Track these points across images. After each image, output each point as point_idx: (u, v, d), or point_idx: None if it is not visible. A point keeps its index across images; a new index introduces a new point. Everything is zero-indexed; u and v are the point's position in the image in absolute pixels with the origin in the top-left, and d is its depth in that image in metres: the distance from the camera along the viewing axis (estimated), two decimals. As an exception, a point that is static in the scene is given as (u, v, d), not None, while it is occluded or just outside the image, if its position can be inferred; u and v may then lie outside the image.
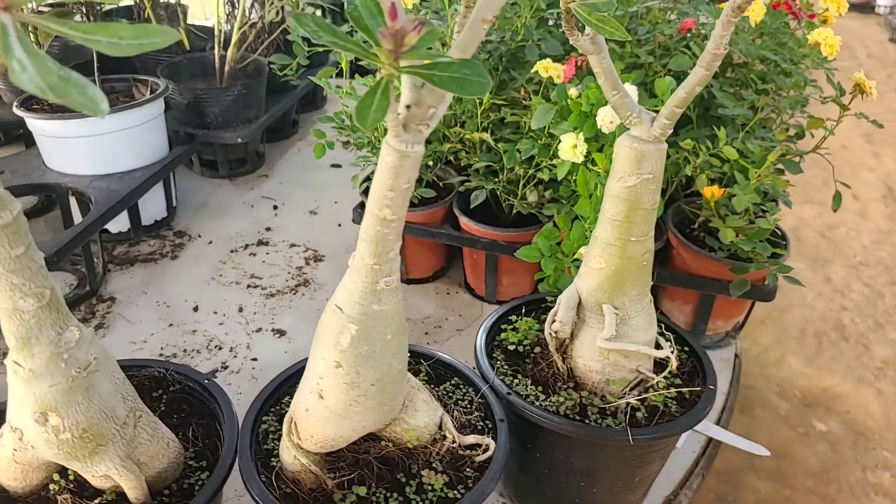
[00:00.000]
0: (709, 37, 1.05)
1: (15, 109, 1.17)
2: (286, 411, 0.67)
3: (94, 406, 0.55)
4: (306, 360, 0.63)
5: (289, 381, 0.70)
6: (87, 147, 1.17)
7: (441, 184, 1.11)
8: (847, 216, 2.43)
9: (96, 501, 0.58)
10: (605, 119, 0.79)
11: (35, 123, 1.17)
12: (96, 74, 1.25)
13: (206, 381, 0.71)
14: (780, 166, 1.02)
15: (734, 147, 0.94)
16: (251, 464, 0.60)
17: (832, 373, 1.94)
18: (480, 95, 0.43)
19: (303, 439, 0.59)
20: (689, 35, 1.12)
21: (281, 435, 0.63)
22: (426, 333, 1.08)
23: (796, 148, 1.10)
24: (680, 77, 1.06)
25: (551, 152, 0.95)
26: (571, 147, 0.86)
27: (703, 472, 0.86)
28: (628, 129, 0.63)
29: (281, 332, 1.06)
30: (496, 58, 1.11)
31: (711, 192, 0.87)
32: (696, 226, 0.97)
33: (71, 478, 0.59)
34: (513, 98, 1.09)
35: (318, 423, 0.57)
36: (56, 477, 0.59)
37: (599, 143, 0.88)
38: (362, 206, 1.14)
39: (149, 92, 1.29)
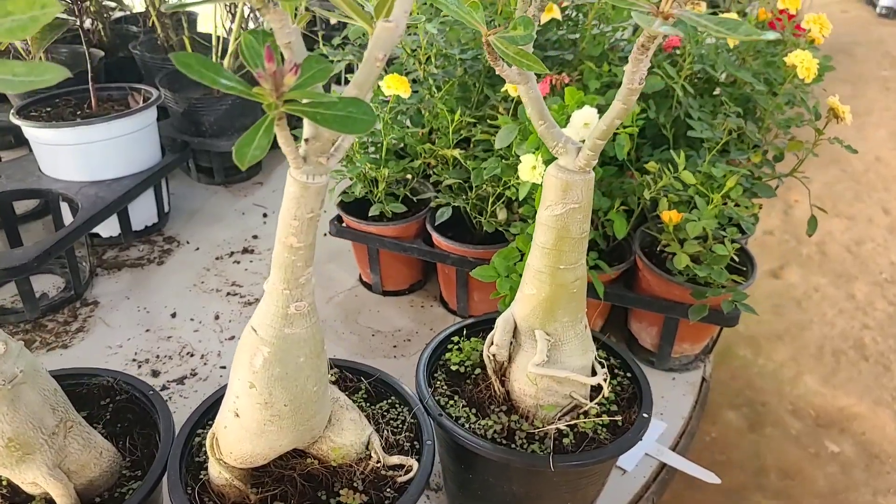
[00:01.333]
0: (701, 56, 1.05)
1: (11, 118, 1.22)
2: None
3: (19, 416, 0.57)
4: None
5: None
6: (78, 154, 1.21)
7: (415, 199, 1.12)
8: (876, 231, 2.37)
9: (26, 507, 0.61)
10: (527, 166, 0.80)
11: (30, 131, 1.21)
12: (90, 83, 1.29)
13: (151, 392, 0.73)
14: (754, 190, 1.01)
15: (702, 170, 0.93)
16: (178, 475, 0.62)
17: (849, 393, 1.90)
18: (364, 133, 0.44)
19: (224, 455, 0.60)
20: (675, 52, 1.11)
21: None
22: (394, 346, 1.09)
23: (776, 171, 1.08)
24: (651, 98, 1.05)
25: (516, 172, 0.96)
26: (531, 168, 0.86)
27: (653, 497, 0.86)
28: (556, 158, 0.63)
29: (252, 341, 1.08)
30: (473, 75, 1.12)
31: (670, 216, 0.87)
32: (660, 249, 0.97)
33: (4, 483, 0.62)
34: (488, 115, 1.10)
35: (235, 440, 0.59)
36: (-10, 482, 0.62)
37: (558, 164, 0.88)
38: (339, 219, 1.16)
39: (142, 101, 1.33)
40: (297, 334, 0.56)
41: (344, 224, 1.15)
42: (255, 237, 1.38)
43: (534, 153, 0.88)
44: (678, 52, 1.08)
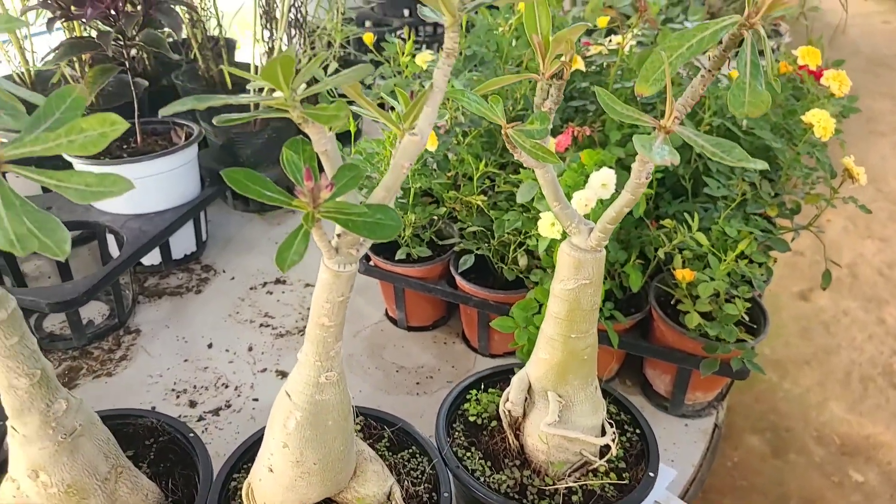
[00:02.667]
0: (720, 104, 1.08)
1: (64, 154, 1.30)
2: (257, 469, 0.75)
3: (77, 465, 0.63)
4: None
5: (262, 440, 0.78)
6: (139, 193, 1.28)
7: (440, 242, 1.17)
8: (911, 253, 2.35)
9: (80, 544, 0.67)
10: (546, 223, 0.85)
11: (79, 166, 1.29)
12: (136, 118, 1.36)
13: (191, 435, 0.79)
14: (768, 243, 1.04)
15: (718, 225, 0.97)
16: (216, 517, 0.68)
17: (875, 421, 1.90)
18: (391, 238, 0.49)
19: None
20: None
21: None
22: (417, 383, 1.14)
23: (793, 223, 1.11)
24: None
25: (536, 224, 1.00)
26: (550, 224, 0.91)
27: (661, 545, 0.89)
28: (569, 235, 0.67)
29: (283, 374, 1.15)
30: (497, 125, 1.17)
31: (683, 275, 0.90)
32: (675, 302, 1.00)
33: (60, 522, 0.68)
34: (511, 162, 1.14)
35: (269, 492, 0.65)
36: (48, 520, 0.68)
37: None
38: (367, 258, 1.22)
39: (185, 137, 1.40)
40: (326, 401, 0.61)
41: (371, 263, 1.20)
42: (287, 267, 1.44)
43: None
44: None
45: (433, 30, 2.91)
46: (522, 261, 1.08)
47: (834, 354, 2.34)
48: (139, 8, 1.20)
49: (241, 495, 0.71)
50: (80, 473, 0.63)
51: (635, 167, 0.57)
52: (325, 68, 1.44)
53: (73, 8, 1.21)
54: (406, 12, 2.63)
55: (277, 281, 1.39)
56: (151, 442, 0.80)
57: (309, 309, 1.30)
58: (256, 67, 1.61)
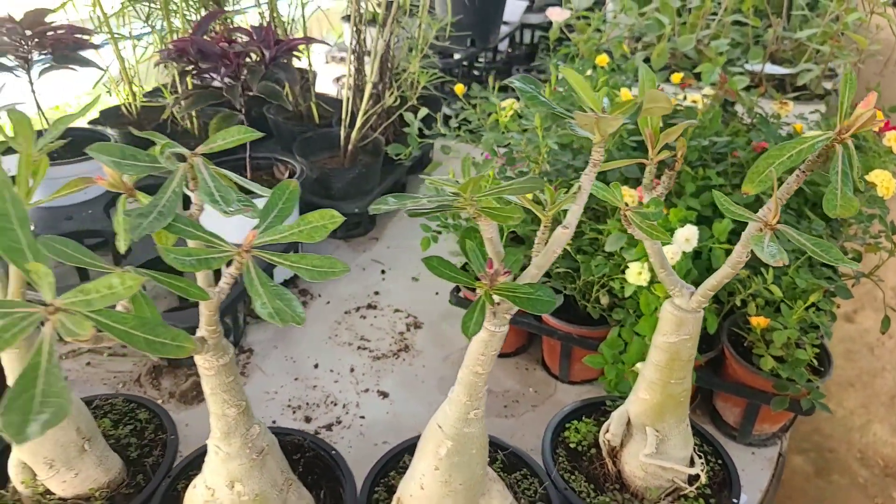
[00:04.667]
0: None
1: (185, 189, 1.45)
2: (392, 483, 0.88)
3: (264, 478, 0.77)
4: (408, 441, 0.85)
5: (396, 458, 0.91)
6: (238, 221, 1.44)
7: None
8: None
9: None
10: (634, 272, 0.96)
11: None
12: (247, 155, 1.51)
13: (333, 452, 0.93)
14: (832, 289, 1.14)
15: (789, 276, 1.08)
16: (366, 526, 0.82)
17: None
18: (547, 312, 0.62)
19: (405, 515, 0.79)
20: (763, 154, 1.25)
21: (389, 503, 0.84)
22: (505, 406, 1.26)
23: (855, 271, 1.21)
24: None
25: (621, 269, 1.12)
26: (637, 273, 1.03)
27: (733, 562, 1.00)
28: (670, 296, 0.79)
29: (384, 394, 1.28)
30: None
31: (758, 321, 1.01)
32: (747, 344, 1.11)
33: (241, 524, 0.83)
34: (592, 209, 1.26)
35: (417, 506, 0.78)
36: (231, 522, 0.83)
37: (661, 271, 1.04)
38: (458, 289, 1.35)
39: (287, 174, 1.55)
40: (472, 433, 0.74)
41: (461, 294, 1.33)
42: (376, 293, 1.58)
43: (640, 261, 1.04)
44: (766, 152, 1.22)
45: (492, 57, 3.04)
46: (604, 300, 1.20)
47: (878, 377, 2.40)
48: (261, 65, 1.35)
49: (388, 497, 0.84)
50: (266, 485, 0.77)
51: (738, 249, 0.69)
52: (415, 112, 1.58)
53: (200, 63, 1.36)
54: (468, 42, 2.76)
55: (369, 306, 1.53)
56: (299, 457, 0.93)
57: (399, 333, 1.44)
58: (351, 115, 1.75)
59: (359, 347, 1.41)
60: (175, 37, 1.74)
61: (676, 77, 1.41)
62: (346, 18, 2.55)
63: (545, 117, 1.20)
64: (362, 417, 1.23)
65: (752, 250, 0.69)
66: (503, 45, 3.15)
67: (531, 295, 0.61)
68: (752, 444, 1.17)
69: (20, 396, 0.45)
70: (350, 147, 1.73)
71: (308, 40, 1.51)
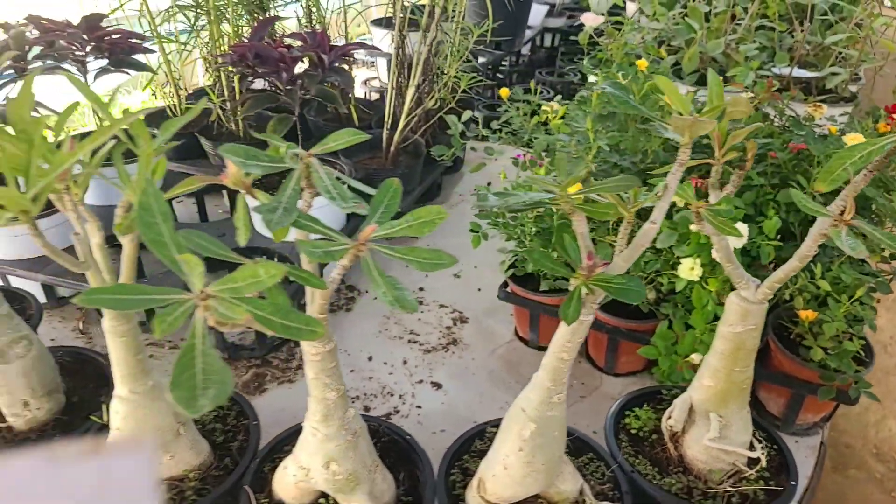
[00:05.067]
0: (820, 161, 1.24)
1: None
2: (466, 466, 0.93)
3: (357, 459, 0.83)
4: (476, 427, 0.91)
5: (466, 443, 0.97)
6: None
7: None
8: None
9: (346, 520, 0.86)
10: (686, 267, 1.01)
11: (251, 203, 1.50)
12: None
13: (408, 437, 0.98)
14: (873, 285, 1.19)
15: (834, 271, 1.13)
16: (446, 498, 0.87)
17: None
18: (636, 302, 0.67)
19: (488, 494, 0.85)
20: (800, 155, 1.30)
21: (464, 486, 0.89)
22: (554, 397, 1.31)
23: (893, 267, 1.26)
24: (783, 209, 1.24)
25: (671, 264, 1.17)
26: (689, 269, 1.08)
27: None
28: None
29: (438, 385, 1.34)
30: (633, 174, 1.34)
31: (806, 315, 1.06)
32: (794, 336, 1.16)
33: (331, 502, 0.88)
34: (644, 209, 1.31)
35: (501, 485, 0.83)
36: (322, 501, 0.88)
37: (713, 267, 1.09)
38: (505, 284, 1.40)
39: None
40: (554, 416, 0.79)
41: (509, 289, 1.38)
42: (421, 289, 1.63)
43: (692, 257, 1.09)
44: (802, 154, 1.27)
45: (515, 60, 3.09)
46: (651, 295, 1.25)
47: (892, 374, 2.45)
48: (318, 70, 1.41)
49: (461, 487, 0.90)
50: (358, 465, 0.83)
51: (808, 243, 0.74)
52: (458, 114, 1.63)
53: (258, 68, 1.42)
54: (494, 46, 2.81)
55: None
56: (375, 441, 0.98)
57: (447, 328, 1.50)
58: (392, 117, 1.80)
59: (409, 341, 1.46)
60: (223, 42, 1.79)
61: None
62: (377, 22, 2.60)
63: (595, 119, 1.25)
64: (419, 407, 1.28)
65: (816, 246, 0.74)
66: (524, 49, 3.21)
67: (624, 285, 0.67)
68: (796, 433, 1.22)
69: (182, 374, 0.51)
70: (392, 148, 1.78)
71: (361, 46, 1.56)
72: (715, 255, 0.87)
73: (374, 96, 2.64)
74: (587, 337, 1.39)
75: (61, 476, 0.31)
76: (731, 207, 0.79)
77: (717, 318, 1.08)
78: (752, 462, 0.92)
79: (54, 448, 0.31)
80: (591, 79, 2.02)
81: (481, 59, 2.76)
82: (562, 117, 1.44)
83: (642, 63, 1.51)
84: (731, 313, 0.84)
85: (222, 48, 1.69)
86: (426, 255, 0.67)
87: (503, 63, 3.04)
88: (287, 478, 0.87)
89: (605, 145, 1.22)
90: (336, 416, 0.79)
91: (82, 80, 1.57)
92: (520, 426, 0.80)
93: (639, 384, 1.33)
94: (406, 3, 1.74)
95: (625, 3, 2.47)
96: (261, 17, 1.84)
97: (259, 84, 1.68)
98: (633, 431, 0.99)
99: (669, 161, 1.29)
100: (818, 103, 1.49)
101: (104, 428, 0.99)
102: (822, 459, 1.22)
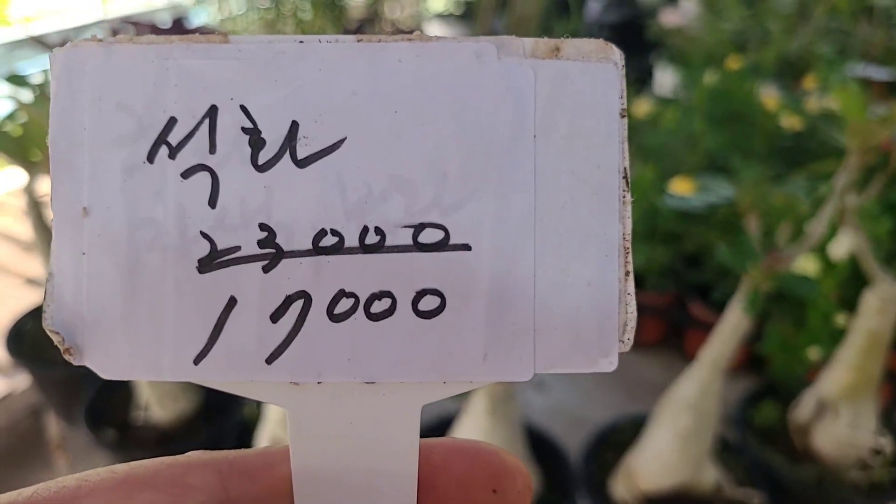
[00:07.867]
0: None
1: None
2: (604, 457, 0.99)
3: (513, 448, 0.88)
4: (614, 420, 0.96)
5: (602, 435, 1.02)
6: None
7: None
8: None
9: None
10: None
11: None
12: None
13: (544, 430, 1.04)
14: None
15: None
16: (588, 490, 0.93)
17: None
18: (810, 293, 0.72)
19: (640, 481, 0.90)
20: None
21: (606, 473, 0.94)
22: (654, 396, 1.36)
23: None
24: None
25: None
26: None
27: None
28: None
29: (540, 384, 1.39)
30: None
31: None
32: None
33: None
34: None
35: (654, 473, 0.88)
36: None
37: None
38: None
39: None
40: (708, 406, 0.84)
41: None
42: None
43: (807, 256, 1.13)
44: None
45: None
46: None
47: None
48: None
49: (603, 472, 0.95)
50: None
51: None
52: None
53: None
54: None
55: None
56: (511, 432, 1.04)
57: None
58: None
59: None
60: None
61: (809, 81, 1.49)
62: (443, 18, 2.66)
63: (708, 120, 1.30)
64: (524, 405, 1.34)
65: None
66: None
67: (798, 285, 0.72)
68: (898, 426, 1.26)
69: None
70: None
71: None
72: (853, 251, 0.91)
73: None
74: (684, 336, 1.44)
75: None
76: (879, 207, 0.83)
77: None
78: (877, 453, 0.96)
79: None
80: (663, 77, 2.07)
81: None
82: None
83: (734, 61, 1.55)
84: (868, 309, 0.89)
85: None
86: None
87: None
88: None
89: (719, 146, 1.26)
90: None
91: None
92: (675, 416, 0.85)
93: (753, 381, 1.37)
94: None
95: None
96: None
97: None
98: (759, 424, 1.04)
99: (777, 163, 1.33)
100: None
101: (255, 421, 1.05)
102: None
